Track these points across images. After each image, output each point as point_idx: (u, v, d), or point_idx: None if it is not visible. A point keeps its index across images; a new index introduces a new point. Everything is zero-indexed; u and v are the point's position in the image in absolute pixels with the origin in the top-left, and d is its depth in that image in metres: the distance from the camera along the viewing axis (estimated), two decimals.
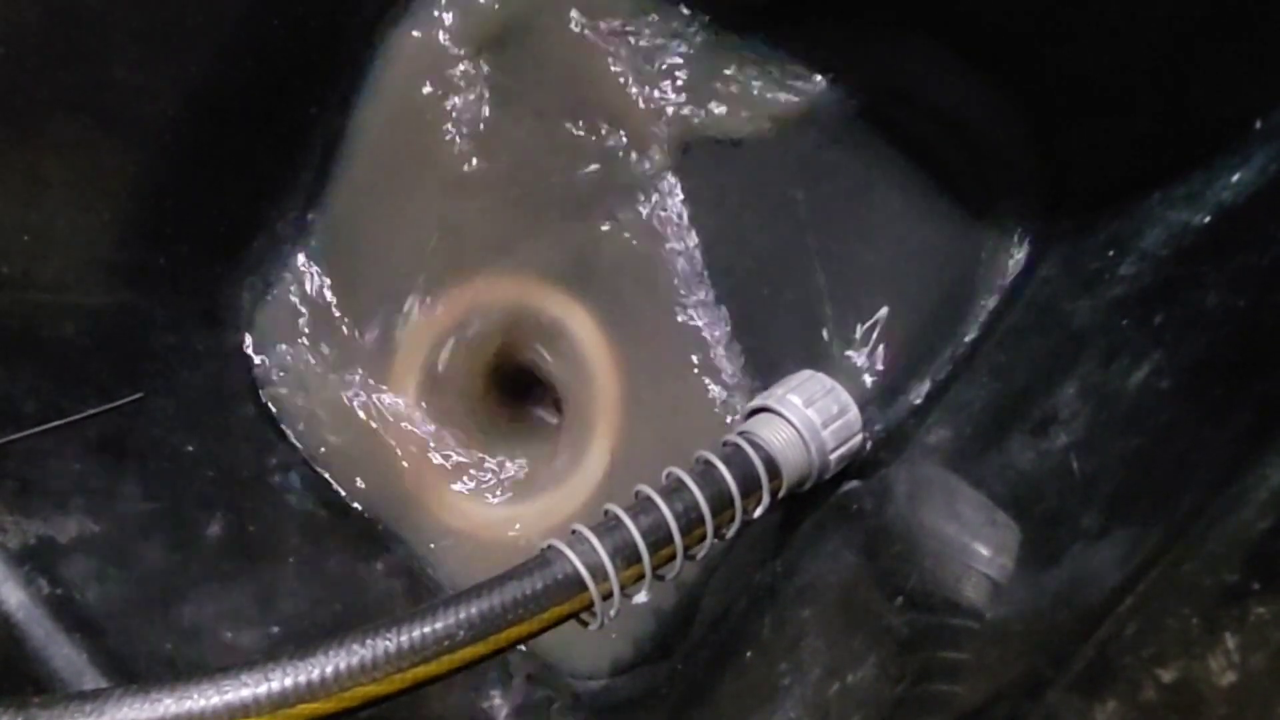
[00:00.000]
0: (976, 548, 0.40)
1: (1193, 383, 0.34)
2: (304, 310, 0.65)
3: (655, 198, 0.61)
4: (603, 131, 0.62)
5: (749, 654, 0.50)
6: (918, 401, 0.56)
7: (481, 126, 0.63)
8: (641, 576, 0.44)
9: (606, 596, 0.43)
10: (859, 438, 0.53)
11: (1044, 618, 0.32)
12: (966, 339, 0.55)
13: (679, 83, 0.61)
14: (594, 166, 0.62)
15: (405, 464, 0.65)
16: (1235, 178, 0.39)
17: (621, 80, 0.61)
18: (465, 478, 0.65)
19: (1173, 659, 0.25)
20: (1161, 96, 0.47)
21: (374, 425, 0.65)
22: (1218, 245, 0.38)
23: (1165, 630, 0.26)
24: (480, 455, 0.65)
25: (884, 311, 0.57)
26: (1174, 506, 0.30)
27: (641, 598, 0.45)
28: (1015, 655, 0.32)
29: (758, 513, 0.48)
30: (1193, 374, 0.34)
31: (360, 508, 0.65)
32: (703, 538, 0.46)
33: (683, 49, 0.61)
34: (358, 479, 0.65)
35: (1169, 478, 0.31)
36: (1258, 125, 0.40)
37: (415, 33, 0.64)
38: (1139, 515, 0.31)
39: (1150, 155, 0.48)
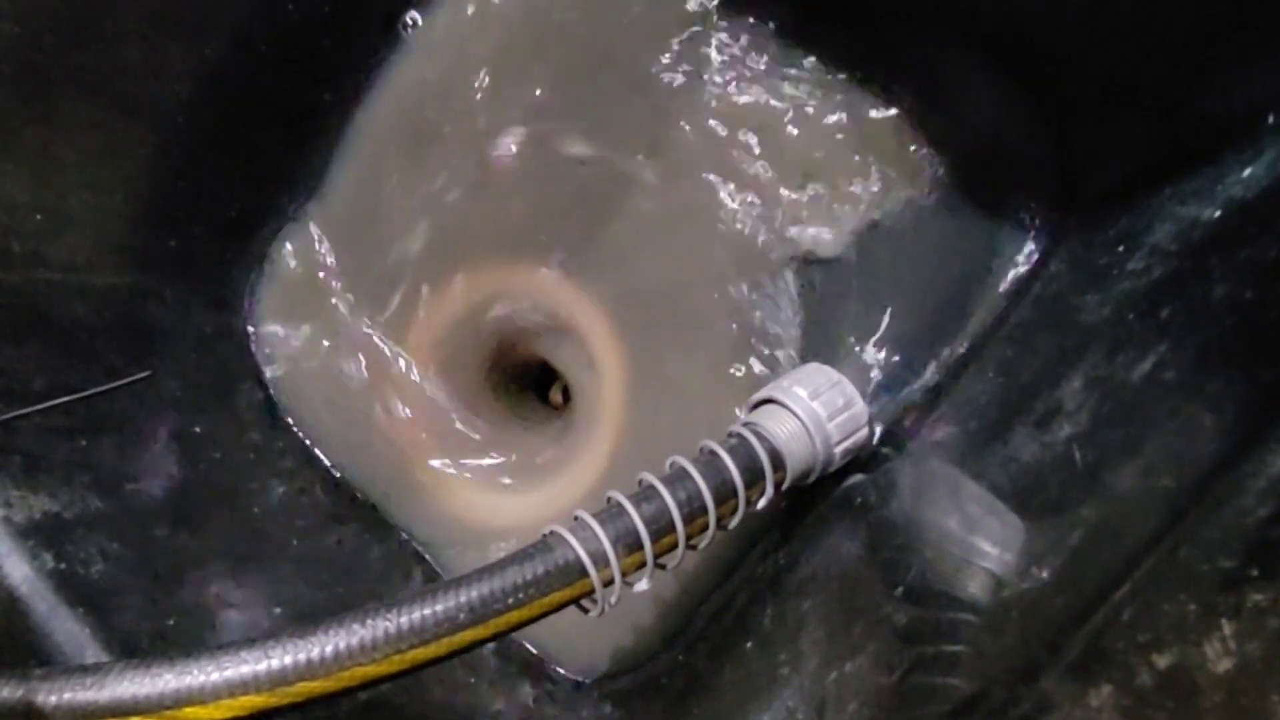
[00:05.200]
0: (979, 542, 0.40)
1: (1196, 373, 0.33)
2: (312, 296, 0.65)
3: (664, 193, 0.61)
4: (615, 128, 0.62)
5: (749, 645, 0.50)
6: (924, 396, 0.55)
7: (497, 117, 0.63)
8: (643, 564, 0.44)
9: (607, 583, 0.43)
10: (864, 431, 0.53)
11: (1041, 605, 0.32)
12: (974, 334, 0.55)
13: (695, 78, 0.61)
14: (606, 162, 0.62)
15: (409, 450, 0.65)
16: (1246, 173, 0.39)
17: (645, 80, 0.61)
18: (470, 464, 0.65)
19: (1168, 645, 0.25)
20: (1173, 92, 0.47)
21: (379, 412, 0.65)
22: (1226, 239, 0.38)
23: (1162, 616, 0.26)
24: (485, 442, 0.66)
25: (892, 305, 0.57)
26: (1173, 494, 0.30)
27: (643, 586, 0.45)
28: (1012, 643, 0.32)
29: (761, 504, 0.48)
30: (1197, 365, 0.34)
31: (363, 493, 0.65)
32: (705, 527, 0.46)
33: (698, 45, 0.61)
34: (362, 465, 0.65)
35: (1169, 466, 0.31)
36: (1269, 120, 0.39)
37: (436, 20, 0.64)
38: (1138, 503, 0.31)
39: (1161, 151, 0.47)
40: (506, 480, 0.65)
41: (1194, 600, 0.25)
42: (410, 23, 0.64)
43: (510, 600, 0.40)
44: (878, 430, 0.55)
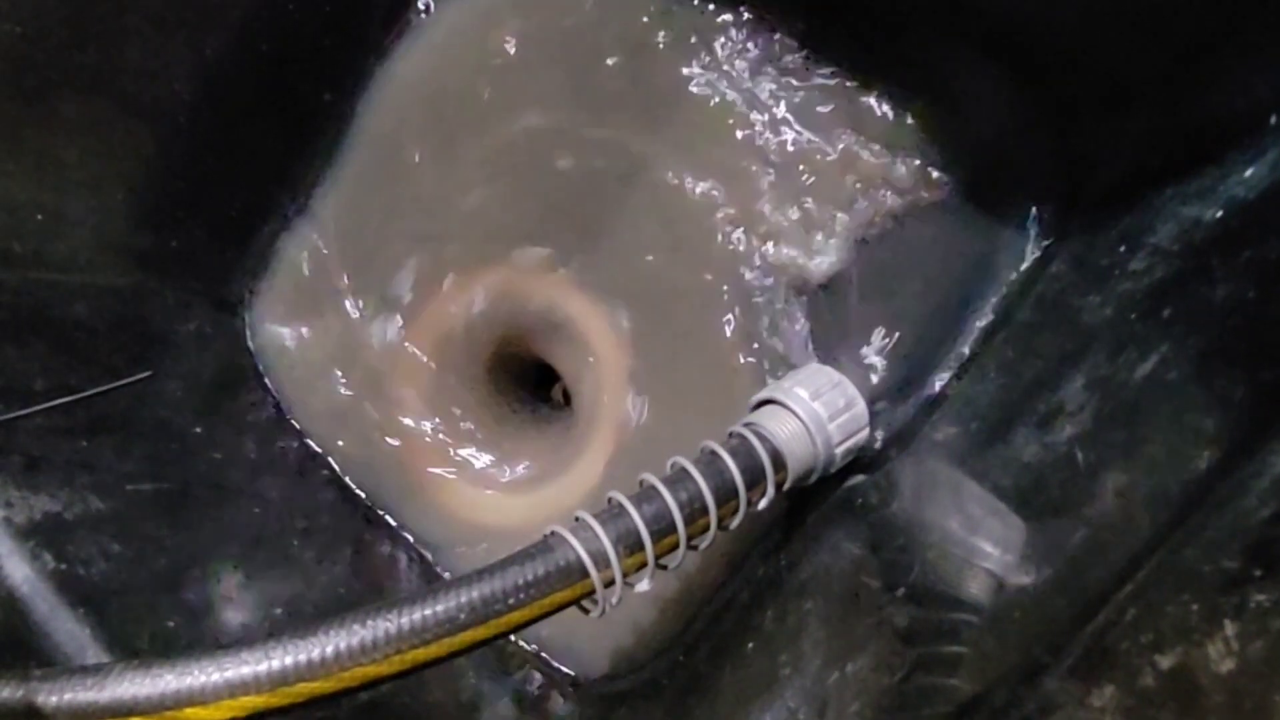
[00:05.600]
0: (980, 543, 0.40)
1: (1199, 373, 0.33)
2: (312, 296, 0.65)
3: (667, 194, 0.61)
4: (620, 128, 0.62)
5: (750, 645, 0.50)
6: (925, 397, 0.55)
7: (498, 116, 0.63)
8: (644, 565, 0.44)
9: (608, 584, 0.43)
10: (865, 432, 0.53)
11: (1043, 606, 0.32)
12: (975, 335, 0.55)
13: (701, 79, 0.61)
14: (610, 162, 0.62)
15: (410, 451, 0.65)
16: (1248, 173, 0.39)
17: (651, 80, 0.61)
18: (470, 465, 0.65)
19: (1171, 646, 0.25)
20: (1175, 92, 0.46)
21: (381, 411, 0.65)
22: (1228, 239, 0.38)
23: (1164, 617, 0.25)
24: (486, 441, 0.66)
25: (894, 306, 0.57)
26: (1175, 494, 0.29)
27: (644, 587, 0.45)
28: (1014, 644, 0.32)
29: (762, 504, 0.48)
30: (1199, 365, 0.34)
31: (364, 494, 0.65)
32: (706, 528, 0.46)
33: (705, 46, 0.61)
34: (362, 464, 0.65)
35: (1172, 466, 0.31)
36: (1272, 121, 0.39)
37: (439, 18, 0.64)
38: (1141, 503, 0.31)
39: (1163, 151, 0.47)
40: (507, 480, 0.65)
41: (1197, 601, 0.25)
42: (424, 8, 0.64)
43: (511, 601, 0.40)
44: (879, 431, 0.55)
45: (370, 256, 0.65)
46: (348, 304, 0.65)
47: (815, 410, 0.50)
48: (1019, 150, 0.56)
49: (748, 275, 0.60)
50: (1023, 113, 0.55)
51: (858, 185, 0.58)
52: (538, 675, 0.61)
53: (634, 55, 0.62)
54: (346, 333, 0.65)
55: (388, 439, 0.65)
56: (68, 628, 0.44)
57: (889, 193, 0.58)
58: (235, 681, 0.36)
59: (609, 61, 0.62)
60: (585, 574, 0.42)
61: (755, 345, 0.59)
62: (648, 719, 0.56)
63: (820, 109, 0.59)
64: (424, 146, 0.64)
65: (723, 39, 0.60)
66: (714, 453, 0.47)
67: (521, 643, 0.62)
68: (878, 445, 0.56)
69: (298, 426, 0.65)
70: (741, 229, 0.60)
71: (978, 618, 0.36)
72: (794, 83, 0.59)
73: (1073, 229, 0.53)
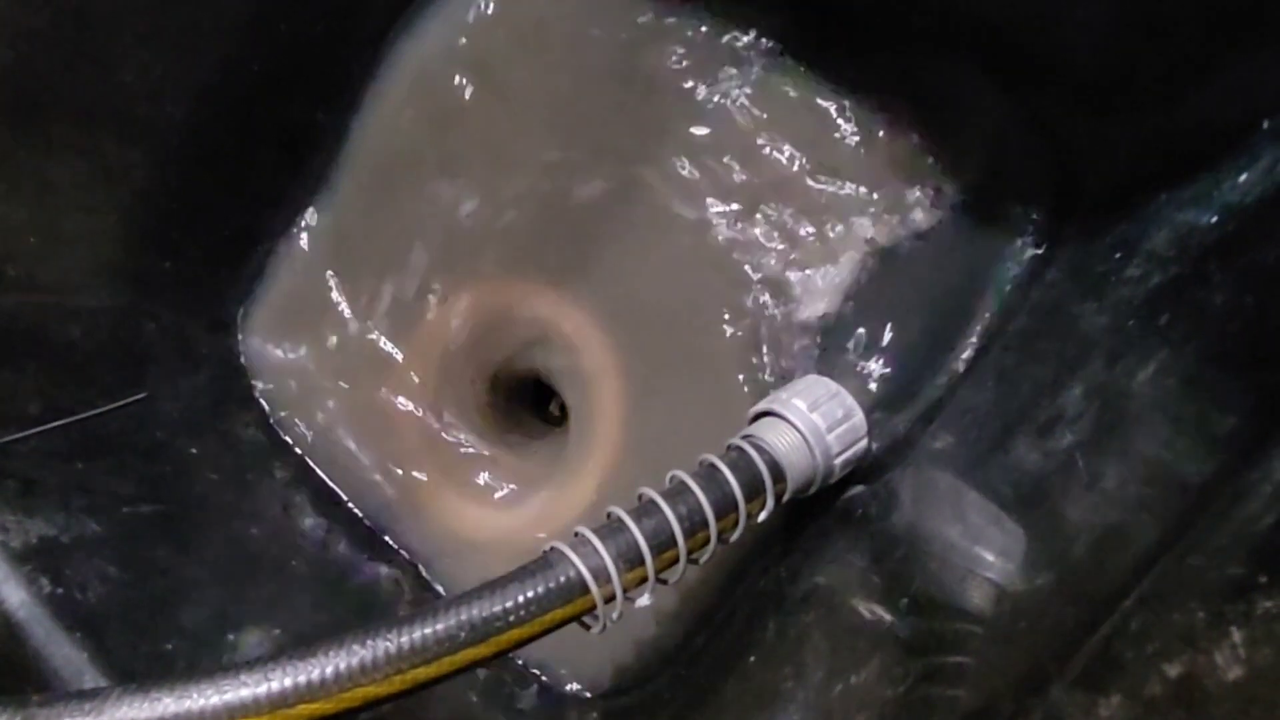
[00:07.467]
0: (981, 552, 0.40)
1: (1199, 379, 0.33)
2: (307, 315, 0.65)
3: (665, 212, 0.61)
4: (617, 146, 0.62)
5: (752, 658, 0.50)
6: (923, 406, 0.55)
7: (493, 135, 0.63)
8: (644, 580, 0.44)
9: (609, 600, 0.42)
10: (864, 442, 0.53)
11: (1048, 615, 0.32)
12: (972, 344, 0.55)
13: (699, 98, 0.61)
14: (607, 180, 0.62)
15: (407, 467, 0.65)
16: (1242, 178, 0.39)
17: (649, 99, 0.61)
18: (468, 481, 0.65)
19: (1178, 654, 0.25)
20: (1168, 98, 0.47)
21: (376, 430, 0.65)
22: (1225, 245, 0.38)
23: (1170, 625, 0.25)
24: (483, 457, 0.65)
25: (890, 316, 0.57)
26: (1180, 501, 0.29)
27: (644, 601, 0.45)
28: (1019, 654, 0.31)
29: (761, 517, 0.48)
30: (1199, 371, 0.34)
31: (361, 511, 0.65)
32: (706, 541, 0.46)
33: (703, 64, 0.61)
34: (359, 482, 0.65)
35: (1174, 473, 0.31)
36: (1265, 126, 0.39)
37: (427, 39, 0.64)
38: (1145, 511, 0.31)
39: (1157, 158, 0.47)
40: (505, 495, 0.65)
41: (1203, 608, 0.25)
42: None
43: (511, 618, 0.40)
44: (877, 441, 0.55)
45: (365, 276, 0.65)
46: (342, 323, 0.65)
47: (813, 421, 0.50)
48: (1012, 158, 0.56)
49: (743, 288, 0.59)
50: (1015, 120, 0.55)
51: (853, 197, 0.58)
52: (539, 692, 0.60)
53: (630, 74, 0.62)
54: (341, 352, 0.65)
55: (384, 456, 0.65)
56: (65, 652, 0.43)
57: (885, 204, 0.58)
58: (234, 704, 0.36)
59: (604, 81, 0.62)
60: (586, 590, 0.42)
61: (751, 358, 0.59)
62: None
63: (814, 122, 0.59)
64: (418, 165, 0.64)
65: (716, 57, 0.60)
66: (713, 465, 0.47)
67: (522, 659, 0.61)
68: (875, 454, 0.55)
69: (293, 446, 0.65)
70: (737, 245, 0.60)
71: (981, 628, 0.36)
72: (790, 94, 0.59)
73: (1068, 236, 0.53)
